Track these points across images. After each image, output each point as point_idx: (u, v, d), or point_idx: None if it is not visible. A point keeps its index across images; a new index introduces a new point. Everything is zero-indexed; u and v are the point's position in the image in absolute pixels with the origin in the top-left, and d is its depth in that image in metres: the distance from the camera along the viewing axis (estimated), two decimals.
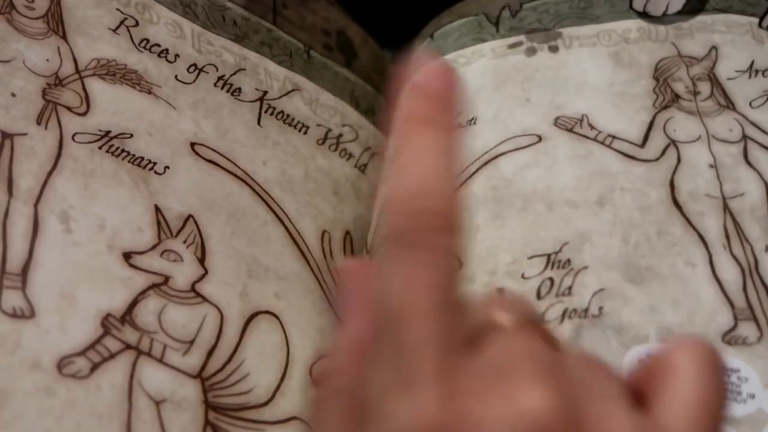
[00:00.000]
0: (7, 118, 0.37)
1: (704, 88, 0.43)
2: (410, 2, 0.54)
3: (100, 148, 0.38)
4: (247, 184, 0.42)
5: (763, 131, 0.41)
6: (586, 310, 0.35)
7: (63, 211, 0.36)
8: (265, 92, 0.45)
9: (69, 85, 0.39)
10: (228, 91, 0.44)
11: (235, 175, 0.42)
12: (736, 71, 0.44)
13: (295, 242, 0.42)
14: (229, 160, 0.42)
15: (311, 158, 0.45)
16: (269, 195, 0.42)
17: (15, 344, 0.33)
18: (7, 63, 0.38)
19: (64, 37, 0.40)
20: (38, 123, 0.38)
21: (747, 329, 0.35)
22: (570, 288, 0.36)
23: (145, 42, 0.43)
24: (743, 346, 0.34)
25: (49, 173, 0.37)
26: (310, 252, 0.42)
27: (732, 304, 0.36)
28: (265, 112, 0.45)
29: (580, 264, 0.37)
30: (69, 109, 0.39)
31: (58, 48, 0.40)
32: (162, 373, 0.35)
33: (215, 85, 0.44)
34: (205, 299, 0.38)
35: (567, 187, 0.40)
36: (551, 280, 0.37)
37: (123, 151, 0.39)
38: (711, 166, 0.40)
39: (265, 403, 0.37)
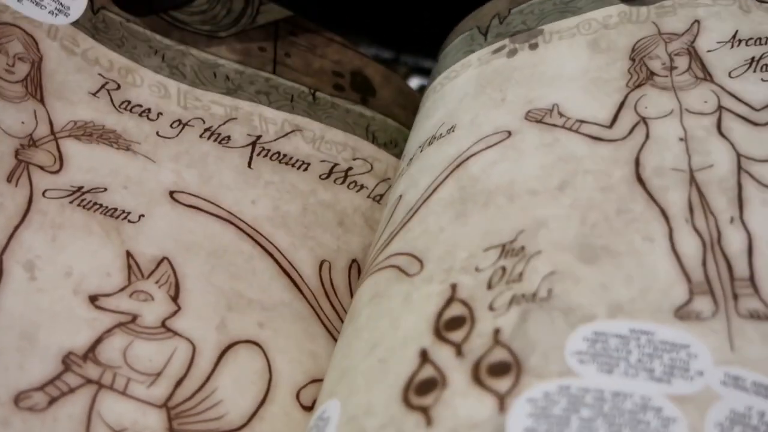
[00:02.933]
0: None
1: (681, 62, 0.41)
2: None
3: (71, 202, 0.41)
4: (232, 223, 0.43)
5: (741, 101, 0.39)
6: (534, 294, 0.34)
7: (29, 261, 0.39)
8: (259, 136, 0.47)
9: (43, 146, 0.42)
10: (216, 141, 0.46)
11: (219, 216, 0.43)
12: (718, 42, 0.41)
13: (287, 273, 0.43)
14: (211, 203, 0.43)
15: (311, 193, 0.46)
16: (257, 231, 0.43)
17: None
18: None
19: (41, 100, 0.43)
20: (8, 181, 0.40)
21: (702, 303, 0.33)
22: (521, 274, 0.35)
23: (126, 103, 0.45)
24: (696, 321, 0.32)
25: (17, 227, 0.39)
26: (304, 281, 0.43)
27: (689, 279, 0.33)
28: (258, 154, 0.46)
29: (534, 249, 0.36)
30: (41, 168, 0.41)
31: (35, 111, 0.43)
32: (123, 404, 0.37)
33: (201, 136, 0.45)
34: (176, 334, 0.39)
35: (530, 176, 0.39)
36: (503, 268, 0.35)
37: (95, 204, 0.41)
38: (681, 139, 0.38)
39: (239, 428, 0.38)
